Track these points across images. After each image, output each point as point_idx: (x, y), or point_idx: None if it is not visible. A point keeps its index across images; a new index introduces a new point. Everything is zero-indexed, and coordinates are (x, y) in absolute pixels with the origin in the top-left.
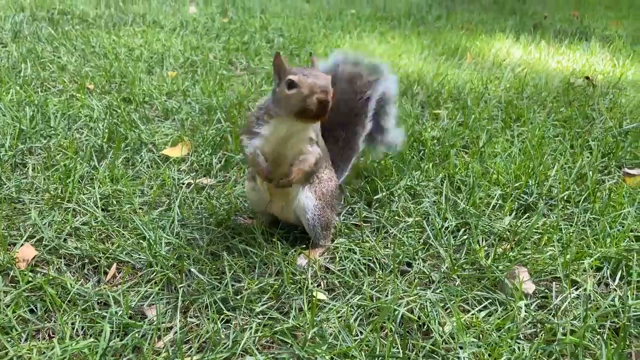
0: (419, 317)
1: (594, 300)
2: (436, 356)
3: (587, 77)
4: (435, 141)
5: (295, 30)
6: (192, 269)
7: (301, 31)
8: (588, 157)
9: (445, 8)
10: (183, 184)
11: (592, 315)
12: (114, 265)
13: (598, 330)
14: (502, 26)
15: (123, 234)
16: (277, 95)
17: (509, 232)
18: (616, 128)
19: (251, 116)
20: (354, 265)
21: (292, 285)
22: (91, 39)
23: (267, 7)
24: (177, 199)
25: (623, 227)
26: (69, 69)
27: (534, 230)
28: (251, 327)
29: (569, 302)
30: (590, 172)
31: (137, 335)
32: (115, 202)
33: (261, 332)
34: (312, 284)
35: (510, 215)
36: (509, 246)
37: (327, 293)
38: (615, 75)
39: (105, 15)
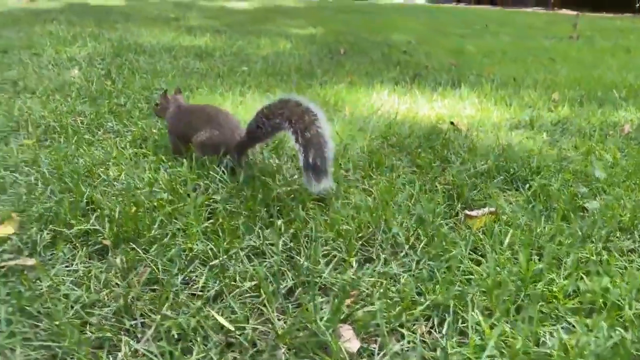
0: None
1: (419, 354)
2: None
3: (452, 122)
4: (292, 195)
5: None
6: None
7: (184, 89)
8: (435, 202)
9: (335, 62)
10: (1, 267)
11: None
12: None
13: None
14: (385, 77)
15: None
16: None
17: (348, 286)
18: (469, 170)
19: None
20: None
21: None
22: None
23: (156, 67)
24: None
25: (460, 270)
26: None
27: (372, 283)
28: None
29: (390, 357)
30: (430, 217)
31: None
32: None
33: None
34: None
35: (353, 267)
36: (345, 302)
37: None
38: (480, 118)
39: None
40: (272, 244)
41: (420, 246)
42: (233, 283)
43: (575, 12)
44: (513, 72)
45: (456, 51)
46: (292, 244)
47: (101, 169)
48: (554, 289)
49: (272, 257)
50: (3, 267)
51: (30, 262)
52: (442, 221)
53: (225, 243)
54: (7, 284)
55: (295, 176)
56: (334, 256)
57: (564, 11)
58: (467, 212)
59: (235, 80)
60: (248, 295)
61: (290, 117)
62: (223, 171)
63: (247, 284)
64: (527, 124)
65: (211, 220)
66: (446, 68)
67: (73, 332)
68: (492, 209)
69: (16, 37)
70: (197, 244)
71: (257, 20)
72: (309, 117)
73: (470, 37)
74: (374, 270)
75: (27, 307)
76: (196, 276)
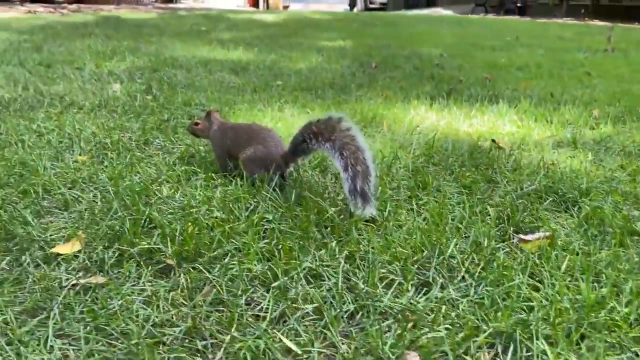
0: None
1: None
2: None
3: (493, 140)
4: (342, 216)
5: (217, 104)
6: None
7: (223, 105)
8: (488, 224)
9: (368, 76)
10: (74, 285)
11: None
12: None
13: None
14: (419, 92)
15: None
16: None
17: (408, 311)
18: (515, 192)
19: None
20: None
21: None
22: None
23: (194, 81)
24: (57, 305)
25: (519, 297)
26: None
27: (430, 307)
28: None
29: None
30: (485, 241)
31: None
32: None
33: None
34: None
35: (410, 291)
36: (408, 327)
37: None
38: (520, 136)
39: (21, 98)
40: (328, 266)
41: (478, 271)
42: (294, 305)
43: (608, 24)
44: (549, 86)
45: (489, 64)
46: (347, 266)
47: (156, 187)
48: (616, 318)
49: (330, 279)
50: (76, 285)
51: (101, 280)
52: (497, 245)
53: (282, 264)
54: (81, 302)
55: (341, 195)
56: (392, 280)
57: (596, 22)
58: (521, 236)
59: (271, 94)
60: (310, 318)
61: (342, 149)
62: (273, 190)
63: (309, 307)
64: (569, 142)
65: (266, 240)
66: (481, 82)
67: (151, 353)
68: (547, 234)
69: (57, 51)
70: (255, 264)
71: (286, 33)
72: (360, 152)
73: (502, 49)
74: (432, 295)
75: (103, 326)
76: (257, 297)
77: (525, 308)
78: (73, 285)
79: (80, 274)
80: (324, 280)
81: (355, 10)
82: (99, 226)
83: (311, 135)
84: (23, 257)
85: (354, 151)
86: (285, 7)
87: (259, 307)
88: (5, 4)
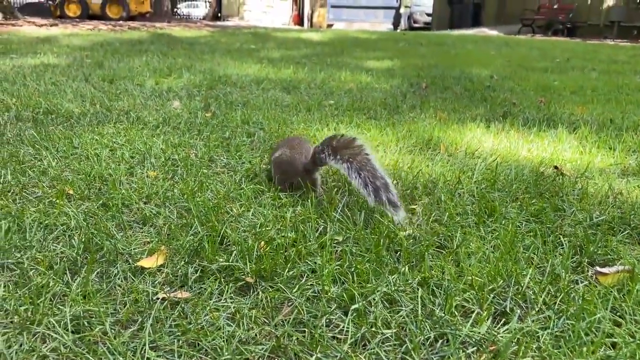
0: None
1: None
2: None
3: (556, 167)
4: (412, 240)
5: (275, 123)
6: None
7: (281, 124)
8: (560, 255)
9: (419, 97)
10: (158, 298)
11: None
12: None
13: None
14: (473, 114)
15: None
16: None
17: (487, 341)
18: (586, 221)
19: None
20: None
21: None
22: (74, 140)
23: (249, 100)
24: (149, 318)
25: (599, 331)
26: (49, 173)
27: (511, 339)
28: None
29: None
30: (563, 273)
31: None
32: (86, 323)
33: None
34: None
35: (487, 321)
36: (488, 357)
37: None
38: (582, 163)
39: (90, 113)
40: (402, 291)
41: (557, 303)
42: (373, 329)
43: None
44: (608, 111)
45: (541, 87)
46: (422, 293)
47: (227, 204)
48: None
49: (406, 305)
50: (164, 299)
51: (185, 294)
52: (574, 277)
53: (357, 287)
54: (169, 316)
55: (415, 220)
56: (468, 308)
57: None
58: (598, 268)
59: (325, 113)
60: (390, 343)
61: (359, 170)
62: (342, 211)
63: (388, 332)
64: (635, 171)
65: (338, 262)
66: (535, 105)
67: None
68: (627, 267)
69: (118, 67)
70: (331, 287)
71: (334, 52)
72: (376, 170)
73: (553, 71)
74: (512, 326)
75: (193, 341)
76: (335, 319)
77: (607, 344)
78: (158, 298)
79: (167, 288)
80: (401, 306)
81: (399, 29)
82: (180, 241)
83: (330, 150)
84: (111, 269)
85: (370, 170)
86: (329, 26)
87: (338, 329)
88: (68, 22)
